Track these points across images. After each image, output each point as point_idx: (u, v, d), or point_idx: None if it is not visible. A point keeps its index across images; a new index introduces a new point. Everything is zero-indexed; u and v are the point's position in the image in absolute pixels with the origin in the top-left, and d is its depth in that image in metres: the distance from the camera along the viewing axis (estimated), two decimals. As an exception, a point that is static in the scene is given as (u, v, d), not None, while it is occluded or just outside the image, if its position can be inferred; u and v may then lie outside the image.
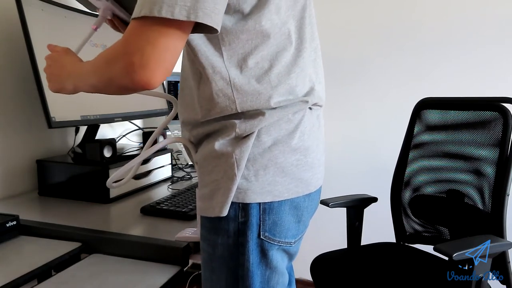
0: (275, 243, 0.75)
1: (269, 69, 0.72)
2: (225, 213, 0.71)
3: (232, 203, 0.72)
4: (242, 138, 0.71)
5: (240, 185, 0.72)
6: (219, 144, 0.72)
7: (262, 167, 0.72)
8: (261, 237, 0.73)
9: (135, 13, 0.63)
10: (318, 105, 0.81)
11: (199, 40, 0.71)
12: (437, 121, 1.48)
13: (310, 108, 0.78)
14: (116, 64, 0.65)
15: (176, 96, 1.84)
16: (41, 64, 1.10)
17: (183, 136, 0.83)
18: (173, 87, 1.83)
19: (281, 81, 0.73)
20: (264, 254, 0.75)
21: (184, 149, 1.68)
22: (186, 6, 0.61)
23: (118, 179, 0.92)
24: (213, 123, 0.74)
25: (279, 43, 0.74)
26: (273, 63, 0.73)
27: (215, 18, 0.63)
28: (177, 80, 1.83)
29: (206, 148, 0.75)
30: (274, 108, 0.72)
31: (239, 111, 0.71)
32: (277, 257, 0.76)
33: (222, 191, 0.72)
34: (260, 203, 0.72)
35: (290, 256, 0.81)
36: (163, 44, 0.62)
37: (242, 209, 0.72)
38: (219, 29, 0.65)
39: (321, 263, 1.39)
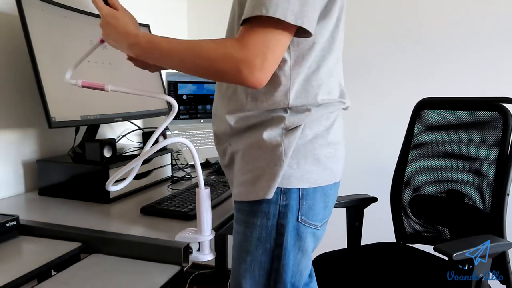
0: (308, 226, 0.83)
1: (316, 70, 0.82)
2: (271, 196, 0.79)
3: None
4: (289, 130, 0.80)
5: (284, 172, 0.79)
6: (267, 134, 0.80)
7: (303, 157, 0.81)
8: (299, 220, 0.82)
9: (250, 14, 0.69)
10: (345, 107, 0.91)
11: None
12: (437, 121, 1.48)
13: (344, 109, 0.90)
14: (233, 63, 0.70)
15: (175, 97, 1.84)
16: (42, 64, 1.10)
17: (216, 128, 0.90)
18: (173, 87, 1.83)
19: (323, 82, 0.83)
20: (299, 236, 0.82)
21: (183, 150, 1.68)
22: (295, 12, 0.70)
23: (117, 180, 0.92)
24: (260, 115, 0.81)
25: (325, 47, 0.82)
26: (320, 64, 0.82)
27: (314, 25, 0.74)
28: (177, 80, 1.83)
29: (251, 137, 0.82)
30: (318, 106, 0.81)
31: (290, 106, 0.79)
32: (309, 240, 0.84)
33: (267, 176, 0.79)
34: (299, 188, 0.81)
35: (316, 240, 0.88)
36: (278, 50, 0.72)
37: (283, 193, 0.80)
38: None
39: (321, 263, 1.39)
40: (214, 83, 1.95)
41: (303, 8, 0.70)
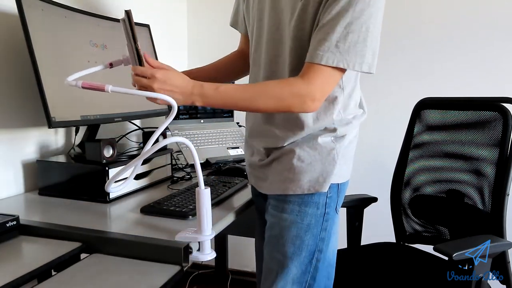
0: (337, 213, 1.04)
1: (355, 87, 1.01)
2: (326, 189, 0.97)
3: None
4: (338, 138, 0.99)
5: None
6: (321, 140, 0.97)
7: (342, 157, 0.99)
8: (335, 210, 1.02)
9: (334, 64, 0.86)
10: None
11: None
12: (437, 121, 1.48)
13: None
14: (300, 98, 0.87)
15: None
16: (42, 64, 1.10)
17: (266, 145, 1.03)
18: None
19: (358, 96, 1.04)
20: (334, 221, 1.02)
21: (182, 151, 1.68)
22: (369, 64, 0.88)
23: (116, 180, 0.92)
24: (316, 127, 0.97)
25: (357, 72, 0.99)
26: (355, 84, 1.02)
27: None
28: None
29: (306, 142, 0.98)
30: (354, 117, 1.02)
31: (342, 118, 0.99)
32: (337, 225, 1.04)
33: (324, 174, 0.97)
34: (338, 184, 1.01)
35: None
36: (334, 85, 0.92)
37: (329, 187, 0.98)
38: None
39: (321, 263, 1.39)
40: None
41: (374, 59, 0.89)
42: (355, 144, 1.06)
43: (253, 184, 1.13)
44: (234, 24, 1.24)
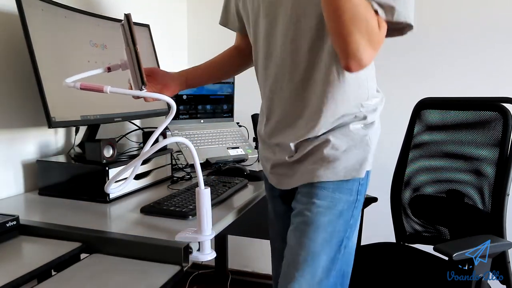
0: (363, 201, 1.03)
1: (371, 68, 1.00)
2: (363, 175, 0.98)
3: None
4: (367, 124, 0.99)
5: None
6: (353, 126, 0.97)
7: (373, 144, 1.00)
8: (364, 196, 1.02)
9: (404, 20, 0.83)
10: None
11: None
12: (437, 121, 1.48)
13: None
14: (371, 38, 0.80)
15: (175, 97, 1.83)
16: (41, 64, 1.10)
17: (296, 139, 0.98)
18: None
19: (374, 80, 1.02)
20: (360, 209, 1.02)
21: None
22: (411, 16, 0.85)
23: (116, 180, 0.92)
24: (344, 117, 0.96)
25: None
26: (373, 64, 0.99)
27: None
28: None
29: (338, 130, 0.96)
30: (377, 103, 1.00)
31: (368, 96, 0.97)
32: (360, 213, 1.04)
33: (360, 160, 0.97)
34: (368, 170, 1.00)
35: None
36: None
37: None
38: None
39: (321, 263, 1.39)
40: (214, 83, 1.95)
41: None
42: (379, 131, 1.05)
43: (275, 184, 1.08)
44: (224, 23, 1.22)
